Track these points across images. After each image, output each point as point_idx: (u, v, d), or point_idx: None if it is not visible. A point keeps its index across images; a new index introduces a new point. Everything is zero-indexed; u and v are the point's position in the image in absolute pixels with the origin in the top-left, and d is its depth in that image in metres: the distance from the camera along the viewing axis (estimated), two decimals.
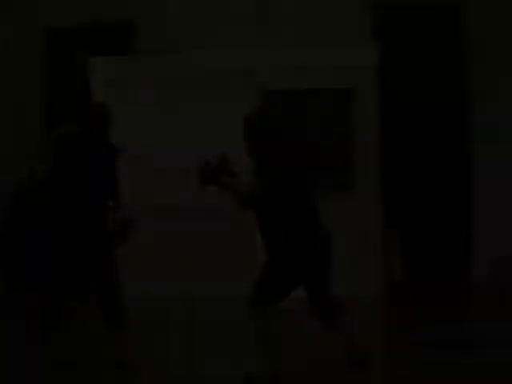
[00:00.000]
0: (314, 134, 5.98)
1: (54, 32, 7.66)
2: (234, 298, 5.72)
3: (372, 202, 5.81)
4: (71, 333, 3.96)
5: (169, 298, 5.81)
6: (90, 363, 3.85)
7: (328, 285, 3.27)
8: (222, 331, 4.61)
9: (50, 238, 3.69)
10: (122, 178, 5.90)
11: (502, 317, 4.94)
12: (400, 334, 4.52)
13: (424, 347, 3.93)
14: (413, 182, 7.04)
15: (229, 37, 6.84)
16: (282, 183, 3.15)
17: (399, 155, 6.91)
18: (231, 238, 6.05)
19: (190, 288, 5.92)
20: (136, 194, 6.17)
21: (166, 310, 5.49)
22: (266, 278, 3.18)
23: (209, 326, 4.82)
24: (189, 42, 6.71)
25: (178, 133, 6.18)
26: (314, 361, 3.72)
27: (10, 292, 6.44)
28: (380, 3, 7.15)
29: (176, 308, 5.58)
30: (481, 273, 6.91)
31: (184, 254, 6.09)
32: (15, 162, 7.02)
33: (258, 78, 6.04)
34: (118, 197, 3.84)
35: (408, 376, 3.34)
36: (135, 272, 6.15)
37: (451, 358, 3.66)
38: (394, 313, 5.45)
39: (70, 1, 7.69)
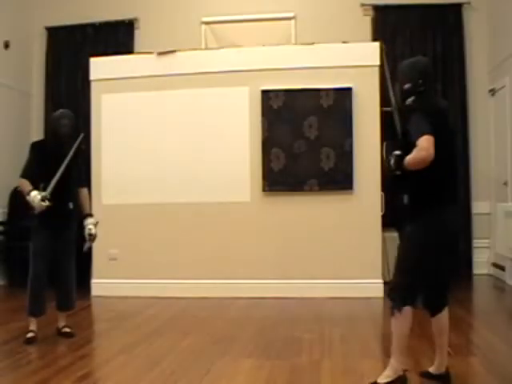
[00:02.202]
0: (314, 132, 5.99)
1: (54, 32, 7.68)
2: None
3: (372, 201, 5.80)
4: None
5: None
6: None
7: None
8: None
9: None
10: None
11: None
12: None
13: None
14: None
15: (229, 36, 6.85)
16: None
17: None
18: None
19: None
20: (137, 194, 6.20)
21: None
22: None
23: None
24: (188, 42, 6.70)
25: (178, 132, 6.18)
26: None
27: None
28: (380, 3, 7.18)
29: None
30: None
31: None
32: (18, 161, 7.02)
33: (258, 78, 6.04)
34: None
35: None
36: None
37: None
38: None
39: (70, 1, 7.71)
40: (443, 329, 3.16)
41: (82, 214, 4.49)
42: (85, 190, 4.58)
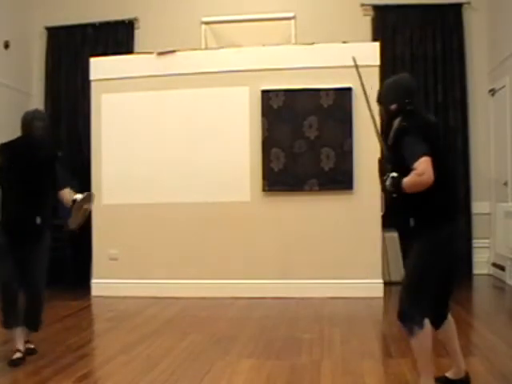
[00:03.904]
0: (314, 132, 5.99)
1: (54, 32, 7.68)
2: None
3: (372, 201, 5.79)
4: None
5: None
6: None
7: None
8: None
9: None
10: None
11: None
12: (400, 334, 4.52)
13: None
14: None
15: (229, 36, 6.85)
16: None
17: None
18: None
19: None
20: (138, 194, 6.20)
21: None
22: None
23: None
24: (188, 42, 6.70)
25: (178, 132, 6.18)
26: None
27: None
28: (380, 3, 7.18)
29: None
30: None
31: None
32: None
33: (258, 78, 6.04)
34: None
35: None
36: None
37: None
38: (394, 313, 5.44)
39: (70, 1, 7.71)
40: (452, 335, 3.08)
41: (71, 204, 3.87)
42: (66, 190, 3.94)
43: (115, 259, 6.14)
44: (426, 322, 2.87)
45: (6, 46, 7.23)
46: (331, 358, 3.80)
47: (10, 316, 3.83)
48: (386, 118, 3.09)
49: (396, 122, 2.99)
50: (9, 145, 3.96)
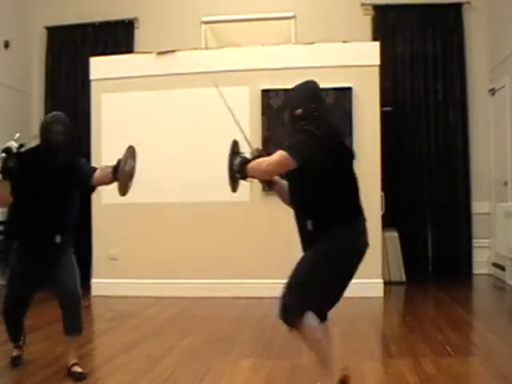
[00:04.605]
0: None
1: (54, 32, 7.68)
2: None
3: (372, 201, 5.79)
4: None
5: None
6: None
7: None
8: None
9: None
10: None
11: None
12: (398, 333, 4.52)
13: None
14: (413, 181, 7.05)
15: (229, 36, 6.86)
16: None
17: (400, 155, 6.91)
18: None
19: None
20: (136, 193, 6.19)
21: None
22: None
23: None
24: (188, 42, 6.70)
25: (178, 132, 6.18)
26: None
27: None
28: (380, 3, 7.18)
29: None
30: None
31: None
32: None
33: (258, 77, 6.04)
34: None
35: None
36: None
37: None
38: (394, 313, 5.45)
39: (70, 1, 7.71)
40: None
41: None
42: (97, 171, 3.65)
43: (115, 259, 6.14)
44: (309, 313, 2.82)
45: (6, 45, 7.23)
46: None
47: (12, 334, 3.70)
48: (290, 124, 3.00)
49: (299, 125, 2.87)
50: (23, 154, 3.45)
